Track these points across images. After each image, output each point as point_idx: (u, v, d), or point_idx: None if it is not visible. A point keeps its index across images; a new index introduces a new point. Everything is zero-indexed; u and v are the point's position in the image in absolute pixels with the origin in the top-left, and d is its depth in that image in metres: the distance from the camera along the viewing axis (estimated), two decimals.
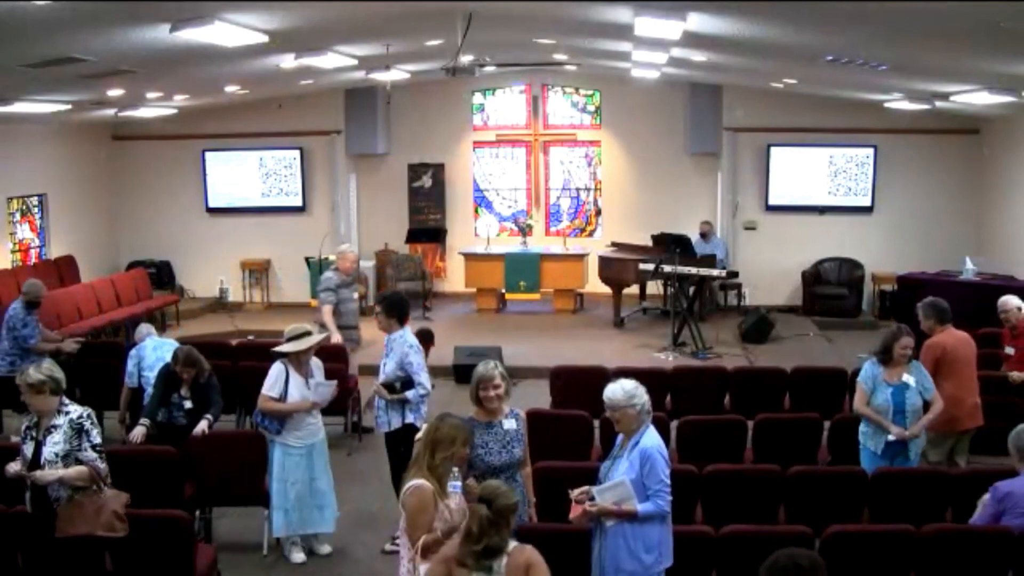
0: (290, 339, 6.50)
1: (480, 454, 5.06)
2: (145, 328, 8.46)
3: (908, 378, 6.24)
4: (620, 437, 4.92)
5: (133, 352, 8.12)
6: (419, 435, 4.94)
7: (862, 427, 6.42)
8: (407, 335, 6.72)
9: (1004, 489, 5.08)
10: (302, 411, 6.44)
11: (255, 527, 6.85)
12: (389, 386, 6.56)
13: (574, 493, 4.79)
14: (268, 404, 6.40)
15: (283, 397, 6.40)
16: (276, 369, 6.48)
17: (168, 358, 7.70)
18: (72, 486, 5.07)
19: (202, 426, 6.72)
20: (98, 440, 5.16)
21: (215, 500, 6.81)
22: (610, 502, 4.66)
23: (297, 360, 6.49)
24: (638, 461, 4.70)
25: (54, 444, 5.04)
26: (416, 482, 4.37)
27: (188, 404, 6.89)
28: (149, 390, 7.68)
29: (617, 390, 4.79)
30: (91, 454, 5.09)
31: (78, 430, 5.07)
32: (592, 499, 4.70)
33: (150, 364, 7.82)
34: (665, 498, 4.69)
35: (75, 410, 5.13)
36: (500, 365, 5.23)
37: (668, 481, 4.72)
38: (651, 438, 4.79)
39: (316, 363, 6.68)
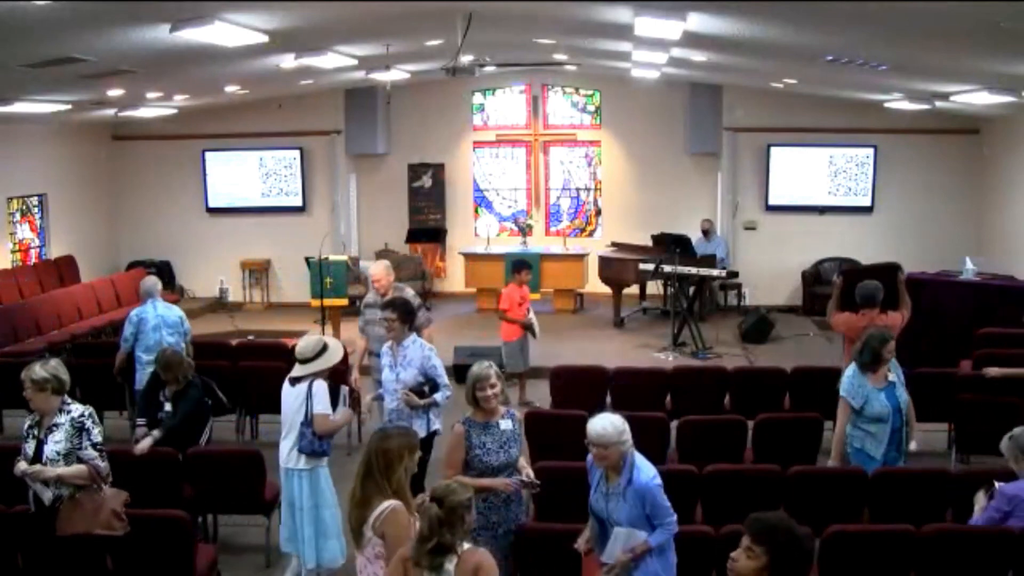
0: (314, 356, 6.04)
1: (478, 454, 5.06)
2: (151, 282, 8.30)
3: (891, 376, 6.25)
4: (601, 471, 4.63)
5: (133, 315, 8.10)
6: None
7: (851, 430, 6.29)
8: (420, 339, 6.58)
9: (1010, 492, 5.06)
10: (346, 423, 6.34)
11: (256, 527, 6.84)
12: (419, 392, 6.33)
13: (581, 547, 4.70)
14: (328, 423, 6.01)
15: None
16: (322, 386, 6.03)
17: (169, 327, 7.99)
18: (72, 484, 5.07)
19: (143, 444, 6.32)
20: (99, 439, 5.16)
21: (214, 507, 6.73)
22: (620, 551, 4.47)
23: (323, 373, 6.15)
24: (638, 499, 4.48)
25: (55, 443, 5.04)
26: (389, 504, 4.16)
27: (167, 407, 6.69)
28: (141, 356, 7.88)
29: (607, 425, 4.47)
30: (91, 452, 5.09)
31: (79, 428, 5.08)
32: (605, 563, 4.56)
33: (148, 331, 7.89)
34: (672, 520, 4.56)
35: (76, 409, 5.14)
36: (495, 366, 5.22)
37: (668, 504, 4.55)
38: (644, 472, 4.53)
39: None
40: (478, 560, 3.73)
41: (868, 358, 6.18)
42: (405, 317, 6.49)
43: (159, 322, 8.11)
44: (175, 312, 8.31)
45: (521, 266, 9.96)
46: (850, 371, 6.26)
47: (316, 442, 5.96)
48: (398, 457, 4.22)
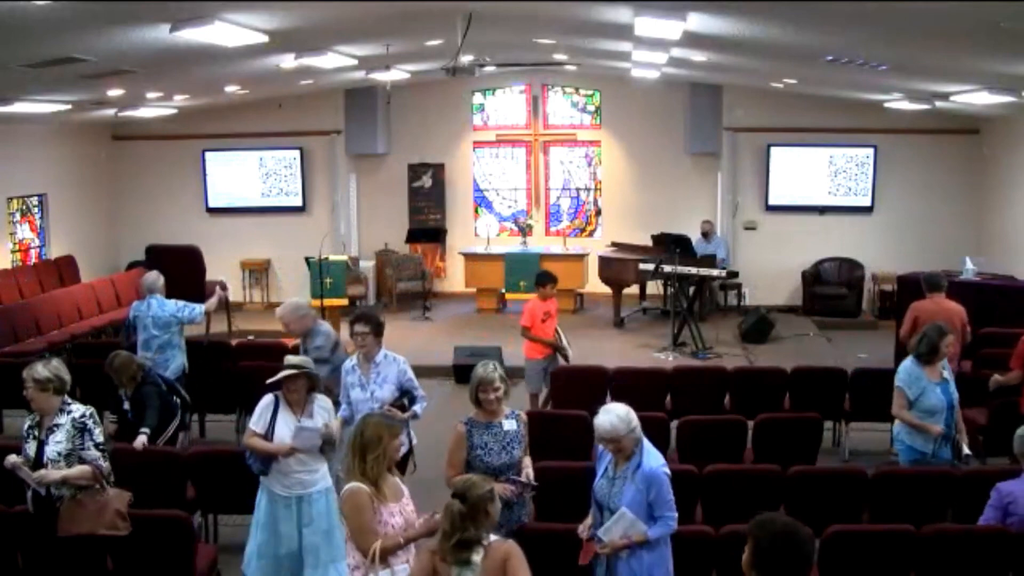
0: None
1: (479, 455, 5.06)
2: (151, 278, 8.34)
3: (947, 374, 6.30)
4: (609, 456, 4.71)
5: (130, 310, 8.34)
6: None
7: (901, 426, 6.36)
8: (391, 352, 6.30)
9: (1006, 489, 5.07)
10: (282, 456, 5.46)
11: None
12: (399, 407, 6.14)
13: (583, 532, 4.74)
14: (249, 439, 5.57)
15: (269, 434, 5.51)
16: (264, 400, 5.62)
17: (159, 328, 8.09)
18: (75, 485, 5.06)
19: (139, 440, 6.35)
20: (101, 439, 5.16)
21: (214, 507, 6.75)
22: (618, 536, 4.53)
23: (286, 395, 5.59)
24: (645, 484, 4.54)
25: (56, 443, 5.03)
26: (351, 486, 4.29)
27: (125, 405, 6.78)
28: (138, 351, 7.96)
29: (614, 420, 4.54)
30: (94, 453, 5.09)
31: (81, 429, 5.07)
32: (599, 540, 4.61)
33: (140, 328, 8.10)
34: (673, 517, 4.61)
35: (77, 409, 5.13)
36: (500, 367, 5.22)
37: (673, 499, 4.61)
38: (654, 458, 4.61)
39: (320, 403, 5.68)
40: (507, 550, 3.79)
41: (925, 348, 6.21)
42: (379, 330, 6.20)
43: (149, 321, 8.10)
44: (168, 310, 8.14)
45: (545, 279, 8.96)
46: (907, 362, 6.32)
47: (248, 454, 5.63)
48: (375, 439, 4.33)
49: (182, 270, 9.07)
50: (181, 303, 8.27)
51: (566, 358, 8.96)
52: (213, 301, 8.69)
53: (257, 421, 5.56)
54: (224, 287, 9.25)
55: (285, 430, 5.49)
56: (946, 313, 7.72)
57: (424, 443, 6.74)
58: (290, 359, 5.74)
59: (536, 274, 9.29)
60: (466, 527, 3.72)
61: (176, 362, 8.17)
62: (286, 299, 15.03)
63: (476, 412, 5.18)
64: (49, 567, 5.13)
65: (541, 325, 8.83)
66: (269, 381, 5.57)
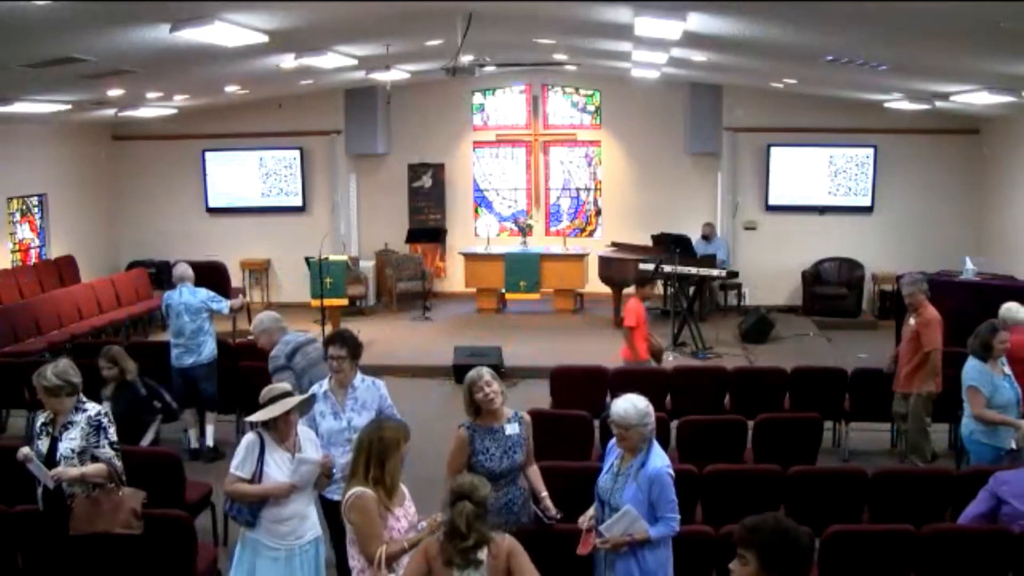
0: (264, 403, 4.87)
1: (481, 459, 5.00)
2: (181, 269, 8.79)
3: (1007, 370, 6.34)
4: (617, 452, 4.73)
5: (164, 296, 8.84)
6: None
7: (976, 426, 6.36)
8: (368, 378, 5.68)
9: (1003, 478, 5.10)
10: (280, 497, 4.76)
11: None
12: None
13: (584, 523, 4.75)
14: (235, 486, 4.76)
15: (257, 477, 4.77)
16: (247, 440, 4.88)
17: (191, 314, 8.49)
18: (90, 483, 5.04)
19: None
20: (115, 438, 5.14)
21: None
22: (619, 533, 4.53)
23: (278, 429, 4.86)
24: (647, 483, 4.54)
25: (71, 440, 5.01)
26: (356, 490, 4.20)
27: (106, 405, 6.48)
28: (171, 339, 8.60)
29: (629, 408, 4.55)
30: (108, 451, 5.06)
31: (96, 427, 5.05)
32: (600, 534, 4.62)
33: (173, 317, 8.54)
34: (676, 519, 4.61)
35: (93, 407, 5.12)
36: (485, 366, 5.19)
37: (676, 501, 4.61)
38: (659, 458, 4.62)
39: (306, 434, 5.04)
40: (509, 545, 3.84)
41: (978, 346, 6.35)
42: (356, 353, 5.55)
43: (181, 308, 8.54)
44: (199, 297, 8.61)
45: (646, 280, 9.04)
46: (973, 362, 6.39)
47: (231, 504, 4.91)
48: (394, 443, 4.29)
49: (207, 284, 9.43)
50: (212, 292, 8.81)
51: (659, 361, 8.93)
52: (237, 301, 9.61)
53: (242, 465, 4.78)
54: (244, 294, 10.57)
55: (278, 471, 4.78)
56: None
57: (424, 443, 6.73)
58: (271, 391, 4.96)
59: (641, 275, 9.21)
60: (478, 527, 3.75)
61: (208, 348, 8.64)
62: (286, 299, 15.30)
63: (476, 418, 5.09)
64: (50, 567, 5.12)
65: (644, 326, 8.72)
66: (255, 419, 4.87)
